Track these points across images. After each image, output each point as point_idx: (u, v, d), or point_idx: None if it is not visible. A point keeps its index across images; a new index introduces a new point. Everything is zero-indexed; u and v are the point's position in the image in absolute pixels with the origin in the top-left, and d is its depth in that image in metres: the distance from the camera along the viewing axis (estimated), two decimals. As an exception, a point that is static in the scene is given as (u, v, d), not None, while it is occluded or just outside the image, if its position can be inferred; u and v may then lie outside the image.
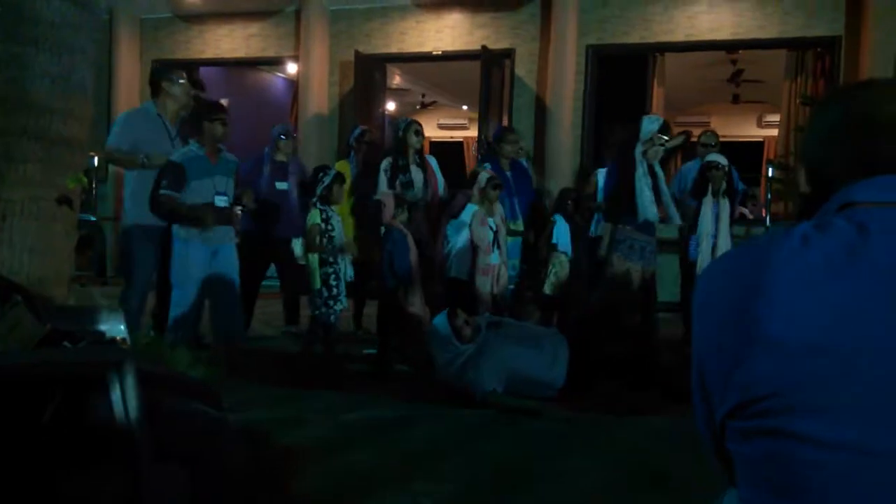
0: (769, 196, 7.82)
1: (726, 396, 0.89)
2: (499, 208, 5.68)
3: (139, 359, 2.36)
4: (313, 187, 5.12)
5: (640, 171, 5.15)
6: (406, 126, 5.81)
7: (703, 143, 6.42)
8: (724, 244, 5.76)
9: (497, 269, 5.51)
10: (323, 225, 5.02)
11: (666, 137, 5.25)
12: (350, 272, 5.22)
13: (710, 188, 5.83)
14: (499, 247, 5.52)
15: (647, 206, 5.13)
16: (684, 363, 5.26)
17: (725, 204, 5.84)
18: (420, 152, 5.86)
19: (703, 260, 5.82)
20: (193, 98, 5.28)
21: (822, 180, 1.02)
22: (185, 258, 4.79)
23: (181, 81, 5.02)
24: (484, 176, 5.52)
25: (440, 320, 4.58)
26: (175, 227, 4.79)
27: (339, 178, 5.21)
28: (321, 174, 5.15)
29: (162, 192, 4.71)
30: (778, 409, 0.83)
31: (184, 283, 4.82)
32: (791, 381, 0.83)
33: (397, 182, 5.68)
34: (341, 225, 5.20)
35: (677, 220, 5.28)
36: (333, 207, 5.17)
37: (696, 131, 13.10)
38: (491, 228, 5.46)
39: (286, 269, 6.09)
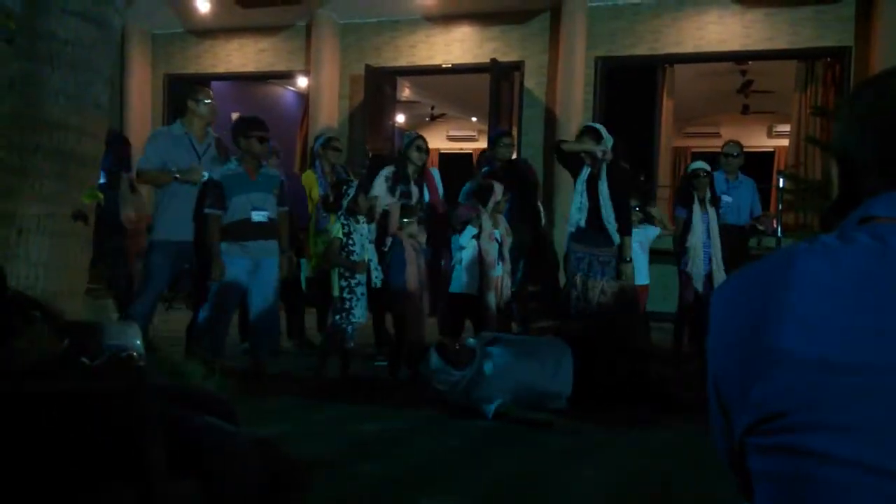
0: (780, 207, 7.78)
1: (744, 413, 0.88)
2: (502, 219, 5.70)
3: (154, 373, 2.37)
4: (338, 200, 5.14)
5: (581, 177, 5.15)
6: (410, 142, 5.84)
7: (726, 154, 6.39)
8: (717, 252, 5.74)
9: (500, 280, 5.54)
10: (344, 239, 5.05)
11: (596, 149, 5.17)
12: (376, 279, 5.21)
13: (695, 196, 5.81)
14: (502, 259, 5.54)
15: (573, 212, 5.14)
16: (684, 376, 5.25)
17: (713, 212, 5.84)
18: (420, 169, 5.87)
19: (697, 271, 5.80)
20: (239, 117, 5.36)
21: (854, 177, 0.98)
22: (225, 272, 4.89)
23: (207, 101, 5.12)
24: (500, 188, 5.54)
25: (431, 355, 4.56)
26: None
27: (362, 188, 5.26)
28: (345, 187, 5.18)
29: (206, 210, 4.88)
30: (796, 426, 0.82)
31: (221, 296, 4.91)
32: (810, 398, 0.82)
33: (398, 190, 5.71)
34: (365, 238, 5.19)
35: (615, 240, 5.20)
36: (360, 218, 5.17)
37: (706, 142, 13.17)
38: (496, 241, 5.49)
39: (289, 284, 6.14)
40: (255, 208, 4.93)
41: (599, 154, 5.06)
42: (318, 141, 6.43)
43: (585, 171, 5.16)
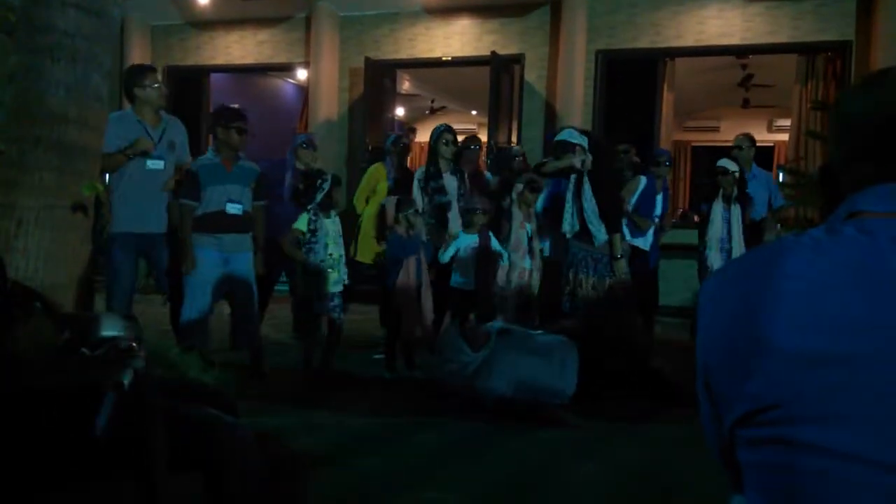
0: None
1: (734, 405, 0.89)
2: (534, 217, 5.67)
3: (155, 366, 2.37)
4: (311, 193, 5.00)
5: (570, 183, 5.20)
6: (437, 135, 5.85)
7: (737, 146, 6.41)
8: (739, 250, 5.76)
9: (529, 274, 5.54)
10: (308, 235, 4.94)
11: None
12: (342, 278, 5.13)
13: (720, 193, 5.85)
14: (531, 253, 5.53)
15: (566, 217, 5.18)
16: (690, 369, 5.29)
17: (736, 210, 5.84)
18: (455, 160, 5.87)
19: (714, 266, 5.83)
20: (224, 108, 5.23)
21: (846, 171, 0.98)
22: (196, 264, 4.76)
23: (155, 86, 4.88)
24: (521, 180, 5.55)
25: (451, 331, 4.57)
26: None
27: (337, 181, 5.12)
28: (319, 181, 5.02)
29: (180, 200, 4.76)
30: (786, 418, 0.83)
31: (194, 289, 4.79)
32: (799, 391, 0.82)
33: (429, 187, 5.76)
34: (333, 235, 5.06)
35: (601, 238, 5.19)
36: (332, 213, 5.08)
37: (706, 136, 13.15)
38: (527, 234, 5.50)
39: (295, 275, 6.13)
40: (231, 200, 4.82)
41: (578, 165, 5.12)
42: (388, 139, 6.55)
43: (573, 179, 5.21)
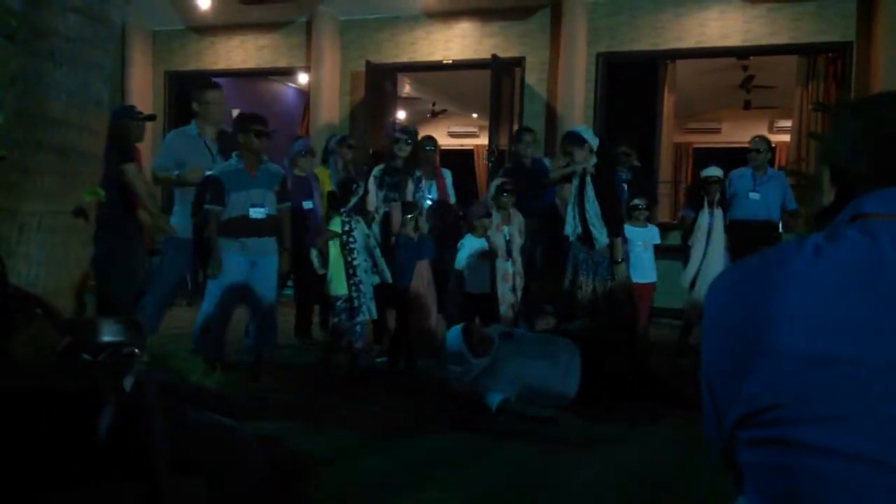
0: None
1: (734, 406, 0.90)
2: (518, 218, 5.68)
3: (157, 370, 2.38)
4: (345, 198, 5.15)
5: (573, 186, 5.24)
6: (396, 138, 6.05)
7: (755, 149, 6.44)
8: (718, 253, 5.85)
9: (512, 277, 5.54)
10: (344, 237, 5.05)
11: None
12: (380, 279, 5.21)
13: (705, 200, 5.99)
14: (511, 257, 5.53)
15: (568, 219, 5.21)
16: (689, 370, 5.28)
17: (719, 213, 5.99)
18: (410, 162, 5.94)
19: (689, 271, 5.96)
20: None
21: (847, 183, 1.01)
22: (222, 269, 4.83)
23: (215, 103, 5.22)
24: (494, 183, 5.57)
25: (454, 336, 4.57)
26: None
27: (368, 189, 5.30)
28: (355, 186, 5.19)
29: (205, 206, 4.83)
30: (785, 419, 0.84)
31: (217, 292, 4.86)
32: (800, 392, 0.83)
33: (384, 182, 5.87)
34: (371, 238, 5.20)
35: (602, 241, 5.20)
36: (360, 219, 5.20)
37: (707, 138, 13.14)
38: (504, 237, 5.49)
39: (303, 281, 6.19)
40: (254, 205, 4.88)
41: (580, 171, 5.15)
42: (333, 138, 6.58)
43: (576, 181, 5.23)
